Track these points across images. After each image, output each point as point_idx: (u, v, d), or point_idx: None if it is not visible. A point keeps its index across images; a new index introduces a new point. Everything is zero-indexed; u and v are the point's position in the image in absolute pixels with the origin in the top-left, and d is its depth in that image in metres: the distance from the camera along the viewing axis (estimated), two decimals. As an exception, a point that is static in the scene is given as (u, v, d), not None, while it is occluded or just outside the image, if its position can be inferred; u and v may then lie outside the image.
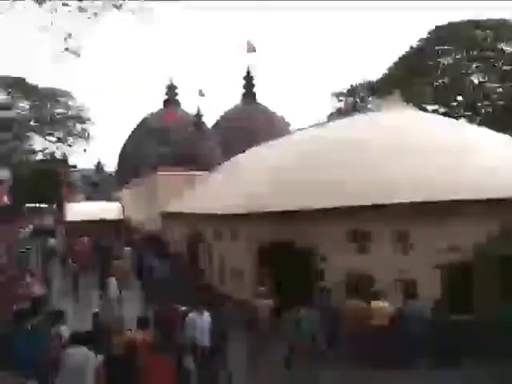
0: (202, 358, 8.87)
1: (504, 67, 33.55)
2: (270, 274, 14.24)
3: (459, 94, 34.01)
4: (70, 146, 56.40)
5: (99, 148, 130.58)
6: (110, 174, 55.13)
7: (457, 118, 32.49)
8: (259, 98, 39.34)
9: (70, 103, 54.53)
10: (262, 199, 14.20)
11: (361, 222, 12.08)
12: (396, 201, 11.40)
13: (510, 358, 9.34)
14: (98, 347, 7.29)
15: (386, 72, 38.11)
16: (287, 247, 13.52)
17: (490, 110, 33.87)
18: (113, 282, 14.30)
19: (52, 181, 47.87)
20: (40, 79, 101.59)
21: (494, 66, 33.74)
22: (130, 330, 8.41)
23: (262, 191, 14.70)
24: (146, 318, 8.63)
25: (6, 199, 38.37)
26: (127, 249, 22.30)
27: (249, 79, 38.88)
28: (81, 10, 12.35)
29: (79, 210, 32.45)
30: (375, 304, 10.29)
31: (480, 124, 27.57)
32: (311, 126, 21.44)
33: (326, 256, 12.40)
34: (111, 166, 54.52)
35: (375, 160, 12.82)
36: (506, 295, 10.73)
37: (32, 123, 54.56)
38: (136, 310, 15.79)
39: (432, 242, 11.35)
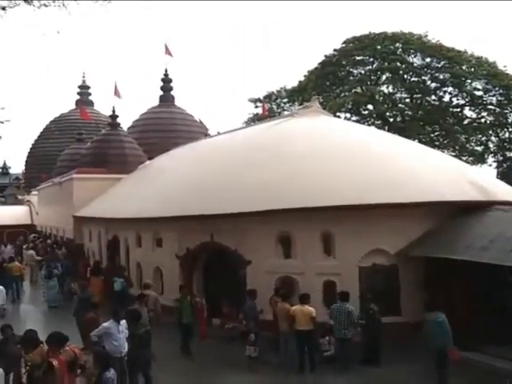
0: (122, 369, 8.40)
1: (412, 79, 35.66)
2: (195, 276, 14.07)
3: (370, 104, 35.57)
4: (-30, 145, 52.34)
5: (5, 149, 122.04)
6: (17, 177, 51.70)
7: (368, 126, 33.96)
8: (177, 102, 38.64)
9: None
10: (182, 203, 13.98)
11: (283, 225, 12.08)
12: (315, 205, 11.41)
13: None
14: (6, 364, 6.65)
15: (303, 79, 39.07)
16: (213, 250, 13.34)
17: (399, 119, 35.74)
18: None
19: None
20: None
21: (403, 77, 35.75)
22: (42, 343, 7.56)
23: (181, 195, 14.54)
24: (61, 334, 7.29)
25: None
26: (31, 252, 21.06)
27: (166, 82, 37.99)
28: None
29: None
30: (299, 307, 10.04)
31: (389, 132, 28.97)
32: (229, 131, 21.43)
33: (252, 259, 12.28)
34: (18, 168, 51.30)
35: (289, 165, 12.89)
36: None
37: None
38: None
39: (354, 244, 11.54)
